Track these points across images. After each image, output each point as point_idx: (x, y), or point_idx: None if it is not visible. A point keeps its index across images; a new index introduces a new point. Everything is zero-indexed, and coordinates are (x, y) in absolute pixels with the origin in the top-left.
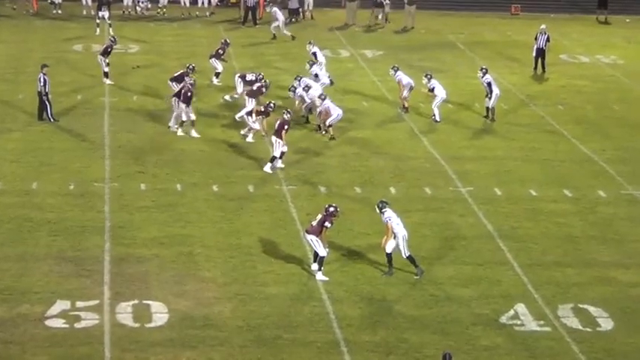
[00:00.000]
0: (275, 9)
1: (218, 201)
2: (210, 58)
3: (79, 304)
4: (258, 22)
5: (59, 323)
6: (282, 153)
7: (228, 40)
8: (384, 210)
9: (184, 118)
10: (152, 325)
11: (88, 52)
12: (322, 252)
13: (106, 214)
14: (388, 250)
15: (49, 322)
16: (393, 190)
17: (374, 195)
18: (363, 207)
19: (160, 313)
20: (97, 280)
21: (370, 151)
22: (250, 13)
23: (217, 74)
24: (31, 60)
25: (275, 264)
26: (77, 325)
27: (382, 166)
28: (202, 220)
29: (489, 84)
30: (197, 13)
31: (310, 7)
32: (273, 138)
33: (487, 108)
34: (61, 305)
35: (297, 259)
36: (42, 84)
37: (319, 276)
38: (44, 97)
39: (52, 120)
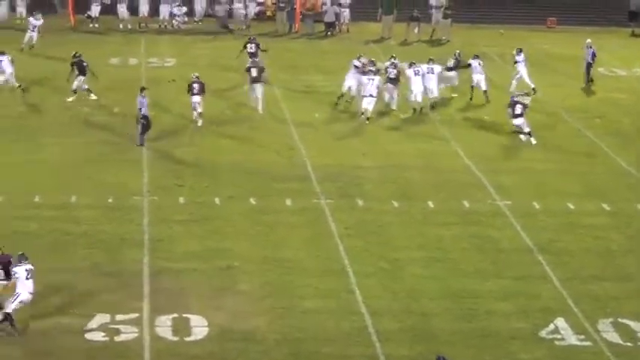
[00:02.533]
0: None
1: (256, 214)
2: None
3: (119, 317)
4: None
5: (99, 336)
6: None
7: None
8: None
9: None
10: (191, 338)
11: (124, 66)
12: None
13: (144, 228)
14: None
15: (88, 335)
16: (431, 203)
17: (412, 208)
18: (401, 220)
19: (199, 327)
20: (136, 293)
21: (408, 164)
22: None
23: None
24: (67, 74)
25: (313, 277)
26: (117, 339)
27: (420, 179)
28: (240, 234)
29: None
30: (233, 26)
31: (346, 21)
32: None
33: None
34: (101, 318)
35: (335, 273)
36: (141, 107)
37: None
38: (142, 120)
39: (142, 143)
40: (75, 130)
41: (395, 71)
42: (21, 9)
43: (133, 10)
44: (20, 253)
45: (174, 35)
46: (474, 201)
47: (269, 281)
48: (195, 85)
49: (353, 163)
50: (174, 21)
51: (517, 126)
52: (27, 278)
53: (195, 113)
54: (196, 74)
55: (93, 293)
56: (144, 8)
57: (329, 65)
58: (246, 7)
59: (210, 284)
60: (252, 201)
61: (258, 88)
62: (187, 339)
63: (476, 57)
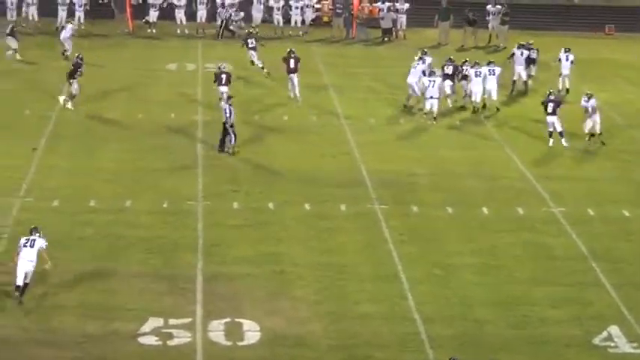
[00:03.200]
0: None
1: (310, 220)
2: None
3: (172, 321)
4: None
5: (152, 340)
6: None
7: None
8: None
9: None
10: (244, 343)
11: (181, 71)
12: None
13: (199, 232)
14: None
15: (141, 340)
16: (485, 209)
17: (466, 215)
18: (455, 227)
19: (251, 332)
20: (189, 297)
21: (462, 170)
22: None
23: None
24: (124, 79)
25: (367, 283)
26: (170, 343)
27: (474, 186)
28: (294, 239)
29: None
30: (290, 32)
31: (403, 27)
32: None
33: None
34: (154, 322)
35: (388, 278)
36: (227, 114)
37: None
38: (230, 128)
39: (231, 151)
40: (131, 135)
41: (452, 67)
42: (79, 14)
43: (191, 15)
44: (33, 227)
45: (229, 41)
46: (528, 208)
47: (323, 286)
48: (223, 76)
49: (408, 169)
50: (231, 26)
51: (549, 124)
52: (24, 246)
53: (222, 102)
54: (224, 65)
55: (147, 297)
56: (201, 14)
57: (385, 71)
58: (303, 12)
59: (264, 289)
60: (307, 206)
61: (295, 78)
62: (240, 344)
63: (520, 46)
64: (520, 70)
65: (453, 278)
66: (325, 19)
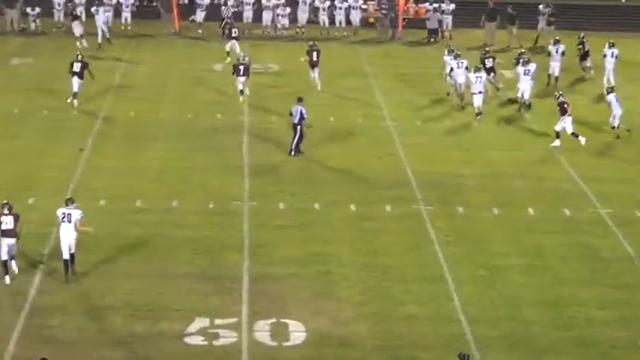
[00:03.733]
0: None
1: (356, 220)
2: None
3: (218, 321)
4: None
5: (198, 340)
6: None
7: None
8: None
9: None
10: (289, 343)
11: (227, 72)
12: None
13: (244, 233)
14: None
15: (187, 340)
16: (531, 210)
17: (512, 216)
18: (501, 228)
19: (297, 332)
20: (235, 298)
21: (508, 172)
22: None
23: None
24: (171, 79)
25: (412, 284)
26: (215, 343)
27: (520, 187)
28: (340, 240)
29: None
30: (335, 33)
31: (449, 27)
32: None
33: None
34: (200, 323)
35: (434, 279)
36: (298, 116)
37: None
38: (299, 129)
39: (293, 153)
40: (178, 136)
41: (492, 61)
42: (126, 14)
43: (237, 15)
44: (68, 197)
45: (276, 41)
46: (575, 209)
47: (368, 287)
48: (241, 67)
49: (453, 170)
50: (278, 24)
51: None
52: (62, 221)
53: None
54: (243, 55)
55: (193, 297)
56: (247, 14)
57: (431, 72)
58: (349, 13)
59: (310, 289)
60: (353, 207)
61: (316, 70)
62: (285, 344)
63: (556, 42)
64: (555, 67)
65: (499, 279)
66: (371, 19)
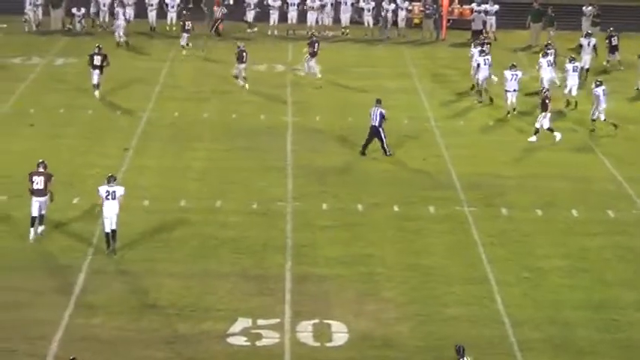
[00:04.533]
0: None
1: (399, 221)
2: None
3: (261, 322)
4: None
5: (240, 341)
6: None
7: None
8: None
9: None
10: (332, 344)
11: (271, 72)
12: None
13: (287, 233)
14: None
15: (230, 340)
16: (574, 212)
17: (556, 217)
18: (545, 229)
19: (340, 333)
20: (278, 298)
21: (551, 173)
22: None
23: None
24: (215, 80)
25: (455, 285)
26: (258, 343)
27: (563, 188)
28: (383, 240)
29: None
30: (379, 34)
31: (493, 28)
32: None
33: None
34: (243, 323)
35: (478, 281)
36: (377, 118)
37: None
38: (380, 130)
39: (388, 153)
40: (221, 136)
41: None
42: (172, 15)
43: (282, 16)
44: (110, 174)
45: (321, 42)
46: (619, 210)
47: (411, 288)
48: (244, 54)
49: (497, 172)
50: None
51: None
52: (107, 198)
53: (239, 79)
54: (242, 44)
55: (236, 298)
56: (292, 15)
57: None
58: (395, 15)
59: (353, 290)
60: (396, 208)
61: (314, 60)
62: (328, 344)
63: (588, 35)
64: (586, 59)
65: (543, 281)
66: (416, 21)
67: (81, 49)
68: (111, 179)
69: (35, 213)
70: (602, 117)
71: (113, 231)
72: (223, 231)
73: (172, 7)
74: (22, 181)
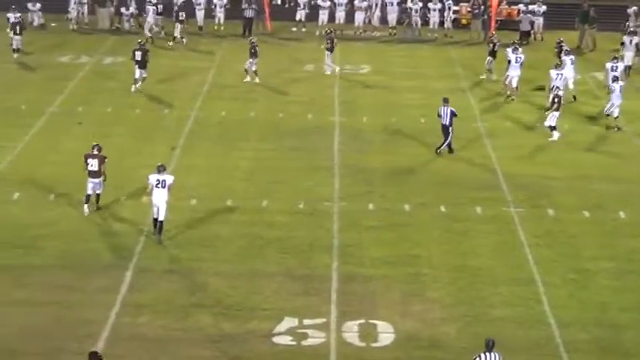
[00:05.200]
0: None
1: (445, 222)
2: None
3: (306, 321)
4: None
5: (286, 340)
6: None
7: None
8: None
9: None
10: (378, 344)
11: (319, 73)
12: None
13: (334, 233)
14: None
15: (276, 339)
16: (621, 213)
17: (603, 219)
18: (592, 231)
19: (386, 333)
20: (324, 298)
21: (598, 174)
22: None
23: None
24: (262, 79)
25: (502, 286)
26: (304, 343)
27: (610, 190)
28: (429, 241)
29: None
30: (428, 34)
31: (540, 29)
32: None
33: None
34: (289, 322)
35: (524, 282)
36: (448, 117)
37: None
38: (451, 129)
39: (442, 150)
40: (268, 135)
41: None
42: (219, 14)
43: (330, 15)
44: (160, 164)
45: (368, 42)
46: None
47: (458, 289)
48: (256, 49)
49: (544, 173)
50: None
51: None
52: (156, 186)
53: (248, 74)
54: (255, 39)
55: (282, 297)
56: (340, 15)
57: (522, 74)
58: (442, 15)
59: (399, 290)
60: (442, 208)
61: (331, 55)
62: (374, 345)
63: (631, 33)
64: (629, 56)
65: (589, 282)
66: (464, 21)
67: (129, 48)
68: (161, 168)
69: (90, 192)
70: (616, 113)
71: (160, 222)
72: (270, 231)
73: (220, 7)
74: (70, 181)
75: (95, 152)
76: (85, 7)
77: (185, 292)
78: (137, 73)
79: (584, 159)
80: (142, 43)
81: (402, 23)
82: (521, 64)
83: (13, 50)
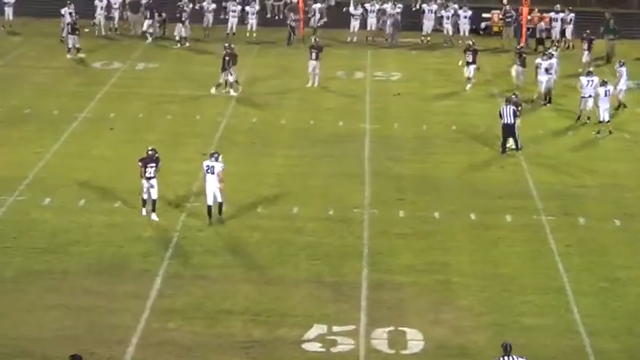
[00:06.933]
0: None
1: (476, 230)
2: None
3: (336, 328)
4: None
5: (315, 347)
6: None
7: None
8: None
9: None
10: (407, 352)
11: (350, 79)
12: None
13: (364, 240)
14: None
15: (305, 346)
16: None
17: (634, 227)
18: (624, 239)
19: (415, 341)
20: (354, 305)
21: (630, 182)
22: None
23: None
24: (293, 86)
25: (532, 294)
26: (333, 350)
27: None
28: (459, 249)
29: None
30: (460, 41)
31: (570, 36)
32: None
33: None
34: (318, 329)
35: (554, 290)
36: (511, 115)
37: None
38: (515, 127)
39: (519, 148)
40: (299, 142)
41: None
42: (252, 21)
43: (362, 22)
44: (213, 151)
45: (400, 49)
46: None
47: (488, 297)
48: (229, 57)
49: (575, 181)
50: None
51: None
52: (207, 172)
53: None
54: (231, 44)
55: (312, 304)
56: (371, 22)
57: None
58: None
59: (429, 298)
60: (473, 216)
61: (317, 65)
62: (403, 352)
63: None
64: None
65: (620, 292)
66: (495, 28)
67: (161, 53)
68: (213, 155)
69: (145, 196)
70: (607, 117)
71: (220, 204)
72: (300, 237)
73: (252, 14)
74: (100, 186)
75: (154, 156)
76: (117, 12)
77: (215, 298)
78: (224, 76)
79: (615, 167)
80: (228, 46)
81: (436, 31)
82: (550, 71)
83: (68, 50)
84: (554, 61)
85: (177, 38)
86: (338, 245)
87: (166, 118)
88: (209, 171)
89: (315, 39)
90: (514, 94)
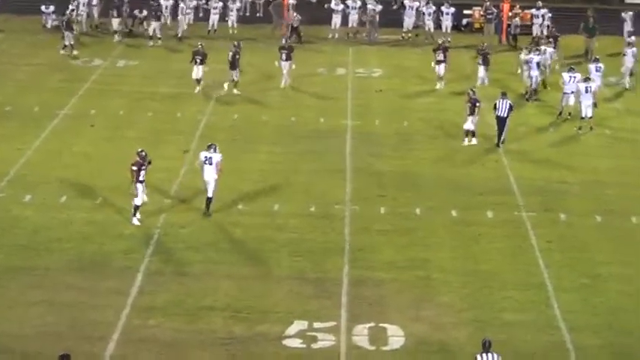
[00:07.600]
0: None
1: (457, 226)
2: None
3: (317, 324)
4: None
5: (296, 343)
6: None
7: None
8: None
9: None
10: (388, 348)
11: (331, 76)
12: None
13: (345, 237)
14: None
15: (286, 342)
16: (634, 219)
17: (615, 224)
18: (605, 236)
19: (396, 337)
20: (334, 301)
21: (611, 179)
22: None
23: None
24: (274, 83)
25: (513, 290)
26: (314, 346)
27: (623, 194)
28: (440, 245)
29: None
30: (442, 37)
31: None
32: None
33: None
34: (299, 325)
35: (535, 286)
36: (506, 109)
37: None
38: (507, 121)
39: (500, 144)
40: (280, 139)
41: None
42: (232, 18)
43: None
44: (210, 143)
45: (381, 46)
46: None
47: (469, 293)
48: (200, 55)
49: (556, 177)
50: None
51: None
52: (205, 163)
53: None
54: (202, 43)
55: (293, 300)
56: (353, 18)
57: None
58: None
59: (409, 294)
60: (454, 212)
61: (287, 66)
62: (384, 348)
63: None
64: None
65: (601, 288)
66: (477, 25)
67: (142, 51)
68: (211, 146)
69: (140, 202)
70: (590, 113)
71: (209, 198)
72: (281, 234)
73: (232, 10)
74: (81, 183)
75: (145, 158)
76: (96, 10)
77: (196, 294)
78: (234, 74)
79: (596, 164)
80: (238, 44)
81: (417, 27)
82: (542, 66)
83: (64, 46)
84: (547, 55)
85: (150, 34)
86: (320, 242)
87: (147, 116)
88: (207, 162)
89: (285, 40)
90: (472, 89)
